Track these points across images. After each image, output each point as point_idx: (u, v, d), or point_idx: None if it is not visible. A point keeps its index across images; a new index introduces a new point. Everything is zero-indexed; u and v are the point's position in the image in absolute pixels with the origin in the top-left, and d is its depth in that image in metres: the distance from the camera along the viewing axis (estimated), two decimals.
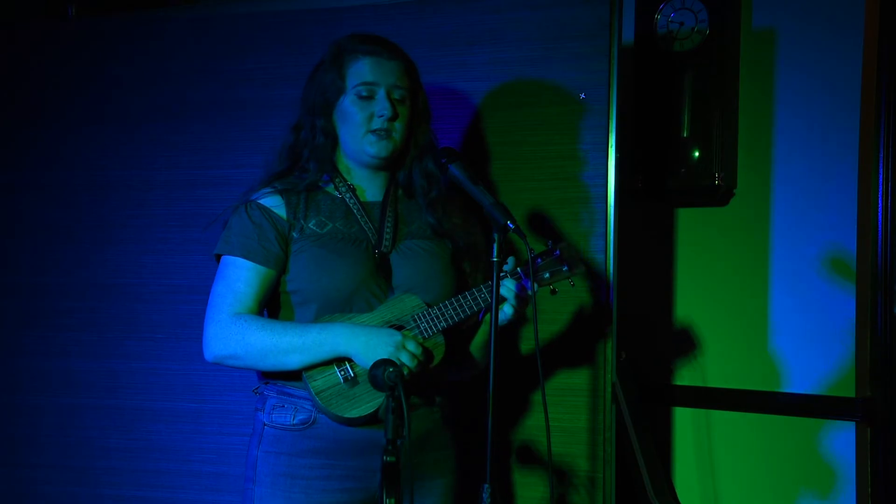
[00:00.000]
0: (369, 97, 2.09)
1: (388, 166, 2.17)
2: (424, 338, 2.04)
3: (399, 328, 2.03)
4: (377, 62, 2.10)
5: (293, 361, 2.00)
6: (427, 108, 2.21)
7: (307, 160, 2.14)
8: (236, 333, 2.01)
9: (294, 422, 2.04)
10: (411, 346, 1.99)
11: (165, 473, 2.73)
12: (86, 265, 2.80)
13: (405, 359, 1.98)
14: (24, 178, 2.87)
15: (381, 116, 2.08)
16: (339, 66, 2.11)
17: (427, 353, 2.03)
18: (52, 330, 2.81)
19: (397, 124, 2.11)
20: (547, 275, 2.12)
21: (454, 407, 2.22)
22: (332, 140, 2.14)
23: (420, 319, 2.05)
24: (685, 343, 2.99)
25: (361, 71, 2.10)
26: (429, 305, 2.07)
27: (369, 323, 2.03)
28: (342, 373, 2.01)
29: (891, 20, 2.68)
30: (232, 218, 2.11)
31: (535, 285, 2.06)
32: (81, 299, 2.80)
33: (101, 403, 2.77)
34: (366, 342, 1.98)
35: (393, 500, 1.73)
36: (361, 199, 2.15)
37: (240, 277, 2.05)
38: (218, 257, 2.11)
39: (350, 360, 2.01)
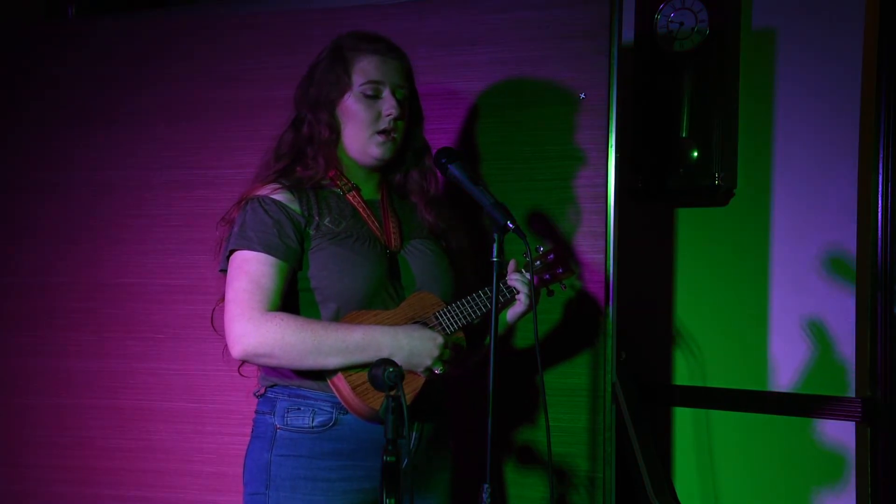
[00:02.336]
0: (375, 96, 2.09)
1: (383, 166, 2.18)
2: (447, 335, 2.05)
3: (422, 325, 2.04)
4: (383, 61, 2.10)
5: (333, 363, 1.97)
6: (421, 110, 2.22)
7: (313, 157, 2.12)
8: (274, 332, 1.95)
9: (313, 424, 2.01)
10: (449, 348, 2.01)
11: (165, 473, 2.72)
12: (86, 265, 2.80)
13: (446, 359, 2.00)
14: (23, 178, 2.87)
15: (389, 115, 2.07)
16: (344, 63, 2.10)
17: (457, 353, 2.05)
18: (52, 330, 2.81)
19: (400, 124, 2.11)
20: (546, 276, 2.19)
21: (453, 406, 2.23)
22: (336, 135, 2.12)
23: (442, 317, 2.06)
24: (685, 343, 2.99)
25: (367, 69, 2.09)
26: (445, 304, 2.08)
27: (393, 321, 2.02)
28: None
29: (891, 20, 2.68)
30: (244, 214, 2.06)
31: (535, 280, 2.08)
32: (81, 299, 2.80)
33: (101, 403, 2.77)
34: (410, 349, 1.97)
35: (393, 500, 1.72)
36: (365, 198, 2.15)
37: (264, 273, 2.00)
38: (229, 255, 2.06)
39: None
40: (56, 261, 2.82)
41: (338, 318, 2.02)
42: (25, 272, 2.85)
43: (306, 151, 2.13)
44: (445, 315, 2.07)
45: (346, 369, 1.98)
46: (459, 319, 2.07)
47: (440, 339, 1.99)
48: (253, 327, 1.96)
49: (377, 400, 1.97)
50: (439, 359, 1.99)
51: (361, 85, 2.08)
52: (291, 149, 2.14)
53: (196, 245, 2.67)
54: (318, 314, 2.04)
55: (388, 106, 2.08)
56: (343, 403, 2.00)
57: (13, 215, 2.87)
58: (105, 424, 2.77)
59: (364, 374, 1.98)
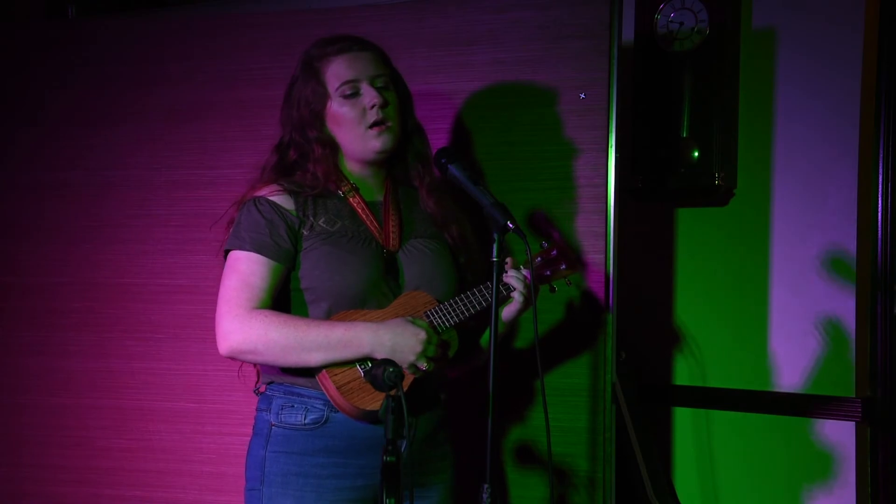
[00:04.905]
0: (354, 94, 2.10)
1: (387, 162, 2.18)
2: (438, 333, 2.05)
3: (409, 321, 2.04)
4: (351, 57, 2.11)
5: (315, 359, 1.99)
6: (409, 92, 2.22)
7: (312, 170, 2.13)
8: (258, 328, 1.98)
9: (305, 421, 2.03)
10: (434, 344, 2.01)
11: (165, 473, 2.73)
12: (86, 265, 2.80)
13: (430, 355, 2.00)
14: (24, 178, 2.87)
15: (374, 106, 2.08)
16: (316, 74, 2.12)
17: (444, 350, 2.05)
18: (52, 330, 2.81)
19: (390, 111, 2.11)
20: (548, 272, 2.18)
21: (453, 406, 2.23)
22: (330, 149, 2.14)
23: (433, 315, 2.06)
24: (685, 343, 2.99)
25: (338, 71, 2.10)
26: (438, 302, 2.08)
27: (382, 320, 2.02)
28: (362, 367, 2.01)
29: (891, 20, 2.68)
30: (241, 214, 2.09)
31: (536, 281, 2.08)
32: (81, 299, 2.79)
33: (101, 403, 2.77)
34: (392, 346, 1.98)
35: (393, 501, 1.73)
36: (366, 199, 2.15)
37: (253, 272, 2.03)
38: (226, 254, 2.10)
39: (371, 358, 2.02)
40: (56, 261, 2.82)
41: (328, 317, 2.03)
42: (26, 272, 2.84)
43: (306, 166, 2.14)
44: (437, 313, 2.07)
45: (331, 367, 2.00)
46: (451, 318, 2.07)
47: (423, 335, 1.99)
48: (238, 325, 1.99)
49: (363, 399, 1.99)
50: (423, 354, 1.99)
51: (338, 88, 2.10)
52: (273, 173, 2.15)
53: (196, 245, 2.67)
54: (310, 314, 2.05)
55: (370, 97, 2.09)
56: (332, 402, 2.02)
57: (13, 215, 2.87)
58: (105, 424, 2.77)
59: (349, 374, 2.00)
